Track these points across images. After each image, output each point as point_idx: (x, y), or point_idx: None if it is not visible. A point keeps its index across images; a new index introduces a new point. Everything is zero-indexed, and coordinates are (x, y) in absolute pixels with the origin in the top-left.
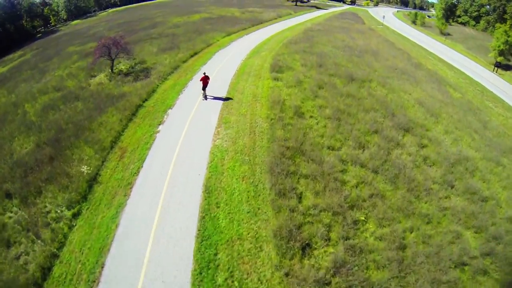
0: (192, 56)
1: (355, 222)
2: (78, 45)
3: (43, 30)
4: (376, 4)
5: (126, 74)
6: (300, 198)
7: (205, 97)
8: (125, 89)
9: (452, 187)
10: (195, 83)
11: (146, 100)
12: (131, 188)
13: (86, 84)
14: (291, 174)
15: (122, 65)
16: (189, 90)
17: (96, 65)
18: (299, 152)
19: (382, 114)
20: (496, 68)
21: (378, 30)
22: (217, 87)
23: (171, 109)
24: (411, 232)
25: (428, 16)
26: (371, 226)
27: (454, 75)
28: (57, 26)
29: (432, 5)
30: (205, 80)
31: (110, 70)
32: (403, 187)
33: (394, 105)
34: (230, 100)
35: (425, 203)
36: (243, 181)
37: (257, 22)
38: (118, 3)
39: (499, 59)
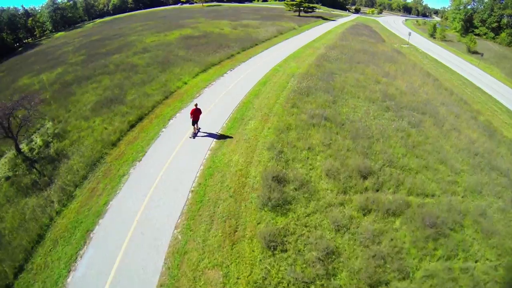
0: (133, 126)
1: None
2: (33, 75)
3: (30, 40)
4: (380, 12)
5: (34, 162)
6: None
7: (195, 134)
8: (7, 222)
9: None
10: (108, 225)
11: (21, 270)
12: None
13: None
14: None
15: (39, 135)
16: (94, 252)
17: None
18: None
19: None
20: None
21: (406, 53)
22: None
23: None
24: None
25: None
26: None
27: None
28: (41, 38)
29: (435, 11)
30: (195, 113)
31: (16, 151)
32: None
33: None
34: None
35: None
36: None
37: (251, 44)
38: (111, 12)
39: None
